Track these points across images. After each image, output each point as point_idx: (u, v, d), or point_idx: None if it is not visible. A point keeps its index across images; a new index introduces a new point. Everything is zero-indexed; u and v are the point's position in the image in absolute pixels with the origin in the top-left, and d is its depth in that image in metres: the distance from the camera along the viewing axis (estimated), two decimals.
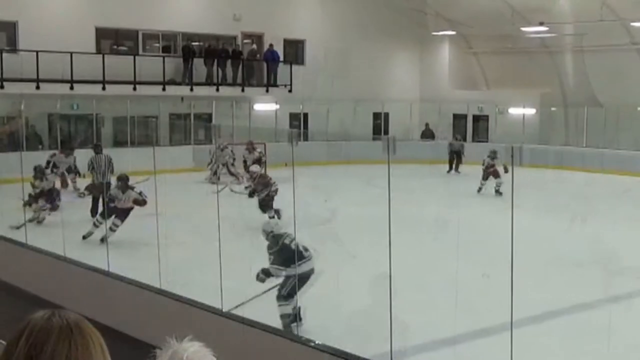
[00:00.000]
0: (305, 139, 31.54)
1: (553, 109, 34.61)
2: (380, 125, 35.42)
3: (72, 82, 26.37)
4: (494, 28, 33.37)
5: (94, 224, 16.28)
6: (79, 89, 26.64)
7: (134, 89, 27.97)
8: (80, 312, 1.99)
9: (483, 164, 23.94)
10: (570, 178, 26.89)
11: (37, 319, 1.90)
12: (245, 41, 32.32)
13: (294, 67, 32.04)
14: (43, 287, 11.71)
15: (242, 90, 31.05)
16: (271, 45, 31.90)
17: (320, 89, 31.69)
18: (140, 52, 29.90)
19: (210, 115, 30.78)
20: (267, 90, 31.69)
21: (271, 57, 31.69)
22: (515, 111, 34.38)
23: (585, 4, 29.49)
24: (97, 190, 18.23)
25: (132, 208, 15.88)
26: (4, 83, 25.33)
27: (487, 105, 35.39)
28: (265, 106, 31.76)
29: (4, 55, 25.76)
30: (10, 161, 18.26)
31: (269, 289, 10.04)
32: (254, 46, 32.36)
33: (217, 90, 30.19)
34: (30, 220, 16.24)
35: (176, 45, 30.89)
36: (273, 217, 16.12)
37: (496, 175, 23.26)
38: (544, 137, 33.47)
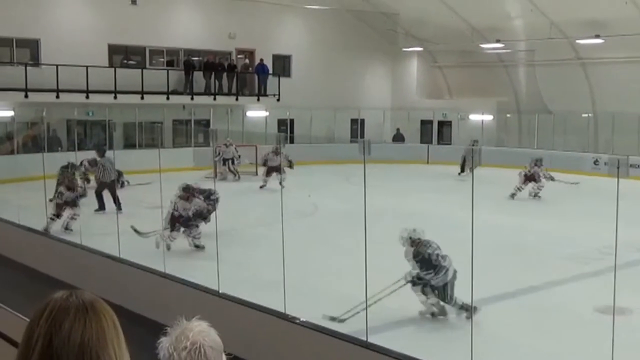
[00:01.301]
0: (292, 141, 31.56)
1: (508, 115, 34.53)
2: (357, 129, 35.29)
3: (87, 92, 26.31)
4: (456, 45, 33.39)
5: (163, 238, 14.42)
6: (94, 98, 26.59)
7: (142, 98, 27.89)
8: (96, 293, 1.95)
9: (526, 169, 21.96)
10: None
11: (57, 298, 1.85)
12: (239, 56, 32.25)
13: (282, 79, 31.89)
14: (62, 271, 11.69)
15: (236, 99, 30.97)
16: (262, 59, 31.88)
17: (304, 98, 31.68)
18: (147, 65, 29.86)
19: (208, 121, 30.72)
20: (258, 99, 31.61)
21: (262, 70, 31.66)
22: (475, 117, 34.36)
23: (535, 24, 29.51)
24: (101, 189, 18.30)
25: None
26: (28, 93, 25.20)
27: (451, 112, 35.36)
28: (256, 113, 31.70)
29: (28, 68, 25.69)
30: (34, 161, 18.28)
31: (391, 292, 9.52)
32: (247, 60, 32.30)
33: (214, 99, 30.14)
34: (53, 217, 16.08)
35: (179, 60, 30.80)
36: None
37: (537, 180, 21.64)
38: (500, 140, 33.52)
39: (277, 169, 21.80)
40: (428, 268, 9.49)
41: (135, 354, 1.90)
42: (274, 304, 8.29)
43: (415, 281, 9.64)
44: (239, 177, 25.68)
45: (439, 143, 35.15)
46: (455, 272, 9.47)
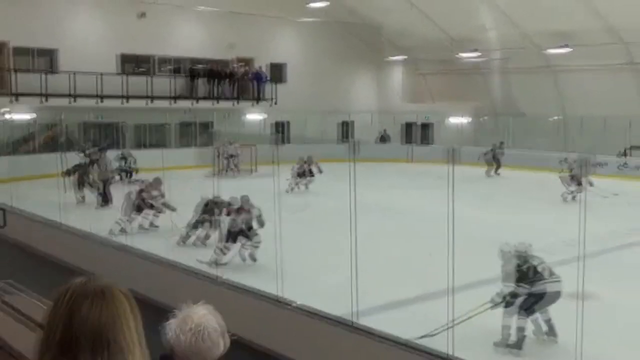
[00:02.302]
0: (287, 142, 31.55)
1: (484, 118, 34.59)
2: (346, 131, 35.40)
3: (101, 96, 26.33)
4: (437, 54, 33.34)
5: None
6: (107, 102, 26.57)
7: (150, 102, 27.92)
8: (111, 279, 1.92)
9: (568, 172, 20.73)
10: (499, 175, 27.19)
11: (76, 284, 1.84)
12: (238, 64, 32.22)
13: (278, 85, 32.03)
14: (81, 259, 11.67)
15: (237, 103, 31.03)
16: (259, 67, 31.92)
17: (298, 102, 31.67)
18: (155, 73, 29.81)
19: (210, 123, 30.69)
20: (257, 103, 31.62)
21: (259, 77, 31.68)
22: (454, 120, 34.39)
23: (509, 35, 29.54)
24: (102, 182, 18.35)
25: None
26: (47, 98, 25.25)
27: (432, 115, 35.42)
28: (254, 116, 31.65)
29: (47, 75, 25.69)
30: (53, 160, 18.27)
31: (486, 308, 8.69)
32: (246, 68, 32.27)
33: (217, 103, 30.18)
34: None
35: (183, 68, 30.77)
36: None
37: (579, 182, 19.95)
38: (477, 141, 33.57)
39: (304, 174, 22.35)
40: (528, 279, 8.55)
41: (145, 336, 1.90)
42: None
43: (508, 300, 8.57)
44: (238, 171, 25.80)
45: (421, 143, 35.17)
46: (559, 293, 8.50)
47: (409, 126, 36.55)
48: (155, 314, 2.90)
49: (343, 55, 34.43)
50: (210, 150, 25.75)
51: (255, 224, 12.49)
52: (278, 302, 8.17)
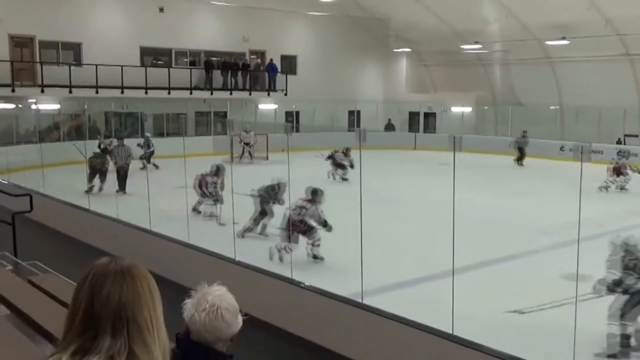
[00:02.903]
0: (297, 130, 31.50)
1: (485, 107, 34.49)
2: (354, 120, 35.34)
3: (122, 87, 26.40)
4: (440, 46, 33.25)
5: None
6: (128, 93, 26.63)
7: (169, 93, 27.96)
8: (134, 259, 1.90)
9: (613, 163, 19.45)
10: (499, 162, 27.07)
11: (99, 264, 1.84)
12: (252, 56, 32.18)
13: (289, 76, 31.98)
14: (105, 241, 11.71)
15: (250, 94, 31.00)
16: (271, 59, 31.84)
17: (308, 92, 31.64)
18: (173, 65, 29.82)
19: (225, 113, 30.69)
20: (268, 94, 31.60)
21: (271, 69, 31.63)
22: (456, 109, 34.31)
23: (510, 27, 29.37)
24: (118, 172, 18.19)
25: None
26: (72, 89, 25.31)
27: (435, 105, 35.34)
28: (267, 106, 31.66)
29: (72, 68, 25.81)
30: (76, 148, 18.33)
31: None
32: (259, 60, 32.22)
33: (231, 94, 30.16)
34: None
35: (200, 60, 30.75)
36: None
37: (619, 173, 19.17)
38: (479, 129, 33.49)
39: (343, 166, 21.93)
40: (636, 272, 7.29)
41: (165, 314, 1.89)
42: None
43: (613, 288, 7.26)
44: (252, 158, 25.84)
45: (424, 132, 35.12)
46: None
47: (413, 115, 36.52)
48: (177, 292, 2.90)
49: (351, 48, 34.33)
50: (227, 138, 25.76)
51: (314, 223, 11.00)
52: (290, 282, 8.20)
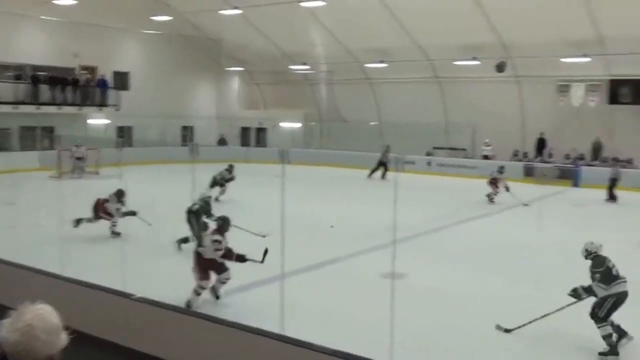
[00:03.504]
0: (131, 145, 30.55)
1: (312, 123, 35.23)
2: (187, 135, 34.89)
3: None
4: (270, 66, 33.72)
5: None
6: None
7: None
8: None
9: (490, 177, 19.89)
10: (326, 173, 27.81)
11: None
12: (82, 72, 30.68)
13: (122, 92, 30.92)
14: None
15: (80, 109, 29.52)
16: (102, 75, 30.72)
17: (142, 108, 30.75)
18: None
19: (53, 127, 28.96)
20: (100, 109, 30.34)
21: (102, 84, 30.46)
22: (285, 125, 34.87)
23: (333, 50, 30.47)
24: None
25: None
26: None
27: (266, 121, 35.75)
28: (97, 121, 30.31)
29: None
30: None
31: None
32: (89, 75, 30.82)
33: (59, 109, 28.50)
34: None
35: (26, 74, 28.76)
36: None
37: (495, 187, 19.53)
38: (306, 144, 34.23)
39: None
40: (607, 281, 7.49)
41: None
42: None
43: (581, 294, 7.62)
44: (83, 173, 24.56)
45: (256, 146, 35.37)
46: (627, 293, 7.53)
47: (245, 130, 36.69)
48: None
49: (185, 66, 33.87)
50: (54, 153, 24.33)
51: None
52: (121, 294, 7.82)
